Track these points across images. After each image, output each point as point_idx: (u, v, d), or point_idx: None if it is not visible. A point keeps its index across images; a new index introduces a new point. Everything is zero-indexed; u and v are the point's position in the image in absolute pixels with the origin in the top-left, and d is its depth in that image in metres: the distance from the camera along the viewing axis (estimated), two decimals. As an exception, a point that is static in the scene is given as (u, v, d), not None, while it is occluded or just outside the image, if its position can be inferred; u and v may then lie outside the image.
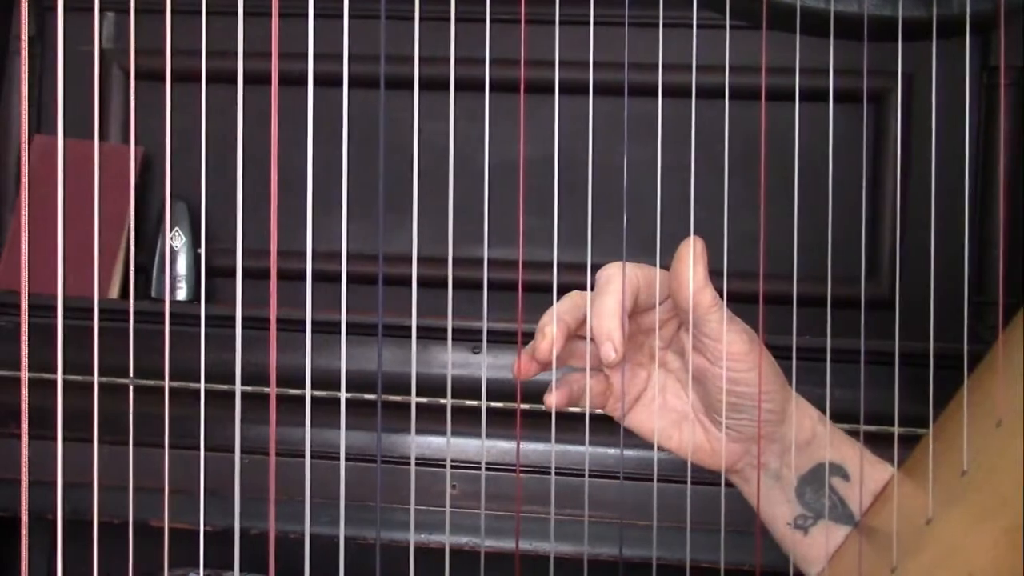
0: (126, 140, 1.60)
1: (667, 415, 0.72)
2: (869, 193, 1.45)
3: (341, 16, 0.65)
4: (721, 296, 0.67)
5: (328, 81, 0.70)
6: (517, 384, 0.71)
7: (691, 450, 0.71)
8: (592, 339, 0.67)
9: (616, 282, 0.67)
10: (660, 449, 0.71)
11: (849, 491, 0.71)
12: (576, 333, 0.68)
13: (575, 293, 0.69)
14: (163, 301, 1.54)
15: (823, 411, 0.73)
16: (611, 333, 0.66)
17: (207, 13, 0.65)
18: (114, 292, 1.48)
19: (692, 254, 0.66)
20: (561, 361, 0.68)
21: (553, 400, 0.69)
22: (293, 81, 0.66)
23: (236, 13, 0.64)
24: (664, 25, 0.75)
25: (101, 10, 1.56)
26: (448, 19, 0.68)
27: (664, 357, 0.72)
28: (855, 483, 0.71)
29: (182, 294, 1.56)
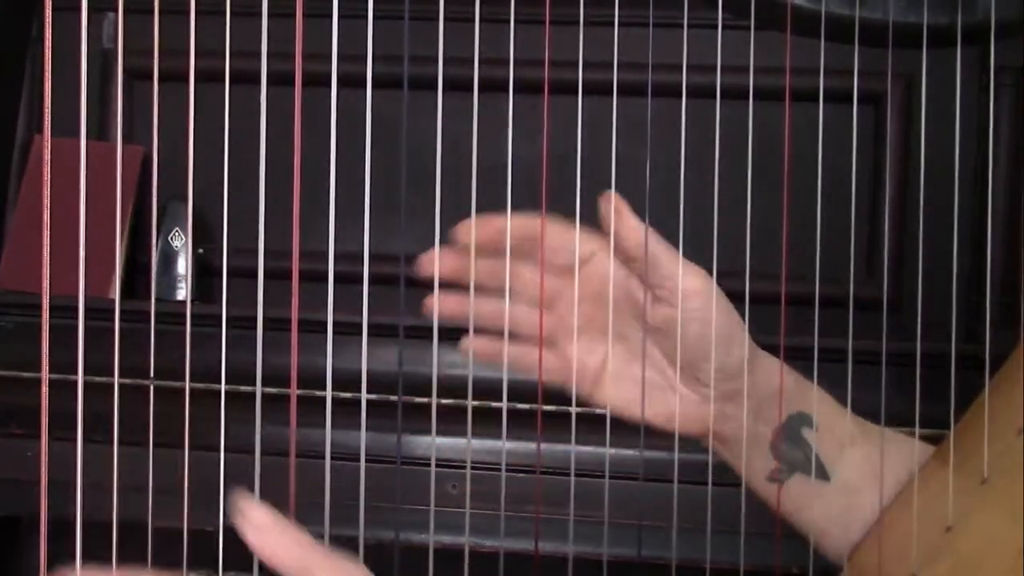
0: (127, 140, 1.59)
1: (638, 386, 0.72)
2: (868, 192, 1.45)
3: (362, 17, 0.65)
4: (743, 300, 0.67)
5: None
6: (539, 385, 0.71)
7: (667, 417, 0.72)
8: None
9: None
10: (641, 421, 0.72)
11: (819, 442, 0.73)
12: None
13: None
14: (174, 301, 1.53)
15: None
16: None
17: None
18: (114, 292, 1.47)
19: (613, 207, 0.69)
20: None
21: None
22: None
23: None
24: (680, 26, 0.75)
25: (101, 11, 1.55)
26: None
27: (624, 330, 0.73)
28: (823, 432, 0.72)
29: (182, 294, 1.56)
